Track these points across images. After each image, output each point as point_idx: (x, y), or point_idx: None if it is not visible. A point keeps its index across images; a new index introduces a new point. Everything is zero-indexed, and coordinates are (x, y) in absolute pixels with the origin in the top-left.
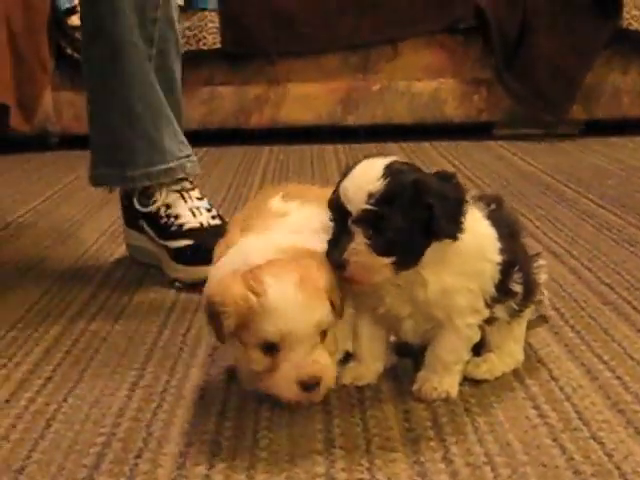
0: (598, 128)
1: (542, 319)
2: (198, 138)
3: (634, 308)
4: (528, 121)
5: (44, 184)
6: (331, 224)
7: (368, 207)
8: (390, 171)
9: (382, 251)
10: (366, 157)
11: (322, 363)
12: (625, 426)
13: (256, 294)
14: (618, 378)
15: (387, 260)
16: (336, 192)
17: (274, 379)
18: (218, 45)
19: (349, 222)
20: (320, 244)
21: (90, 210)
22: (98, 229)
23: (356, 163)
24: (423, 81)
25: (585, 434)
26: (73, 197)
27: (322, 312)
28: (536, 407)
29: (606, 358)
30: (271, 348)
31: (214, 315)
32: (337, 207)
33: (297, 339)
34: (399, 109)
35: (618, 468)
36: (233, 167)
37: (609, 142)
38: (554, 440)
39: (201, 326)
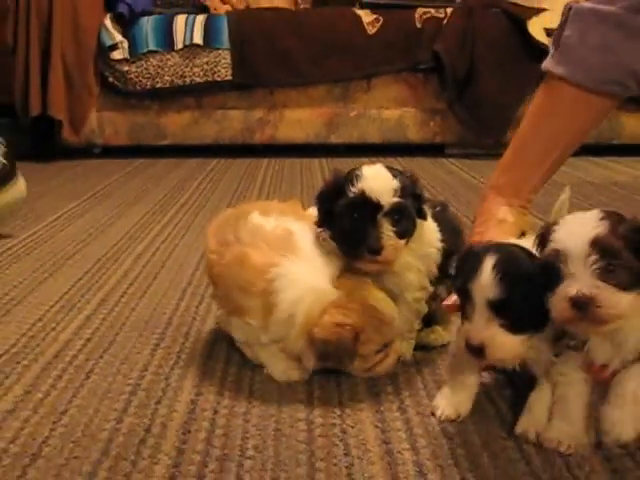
0: None
1: None
2: (212, 151)
3: None
4: (473, 143)
5: (89, 185)
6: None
7: (397, 200)
8: (394, 172)
9: (402, 235)
10: (359, 165)
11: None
12: None
13: (373, 313)
14: None
15: (403, 241)
16: (361, 193)
17: (380, 365)
18: (230, 77)
19: (379, 215)
20: None
21: (122, 207)
22: (129, 223)
23: (353, 170)
24: (390, 109)
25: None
26: (111, 196)
27: None
28: None
29: None
30: (380, 350)
31: (347, 348)
32: (364, 204)
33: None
34: (371, 131)
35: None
36: (239, 175)
37: None
38: (487, 396)
39: (210, 301)
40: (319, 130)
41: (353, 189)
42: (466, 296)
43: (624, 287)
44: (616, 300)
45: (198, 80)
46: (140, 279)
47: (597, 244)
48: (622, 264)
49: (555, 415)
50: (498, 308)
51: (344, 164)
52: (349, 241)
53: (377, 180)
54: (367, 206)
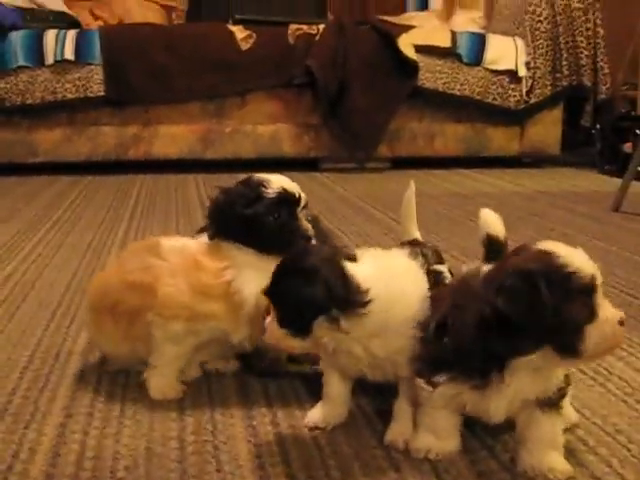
0: (401, 163)
1: None
2: (85, 168)
3: None
4: (346, 158)
5: None
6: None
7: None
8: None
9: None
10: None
11: None
12: None
13: None
14: None
15: None
16: (282, 191)
17: None
18: (102, 93)
19: (298, 210)
20: None
21: None
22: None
23: (252, 180)
24: (265, 125)
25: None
26: None
27: None
28: None
29: None
30: None
31: None
32: (286, 202)
33: None
34: (246, 146)
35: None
36: (113, 192)
37: (408, 174)
38: (358, 406)
39: (81, 321)
40: (194, 146)
41: (270, 191)
42: None
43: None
44: None
45: (70, 96)
46: (8, 301)
47: None
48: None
49: (421, 426)
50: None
51: (219, 180)
52: (278, 238)
53: (288, 181)
54: (290, 203)
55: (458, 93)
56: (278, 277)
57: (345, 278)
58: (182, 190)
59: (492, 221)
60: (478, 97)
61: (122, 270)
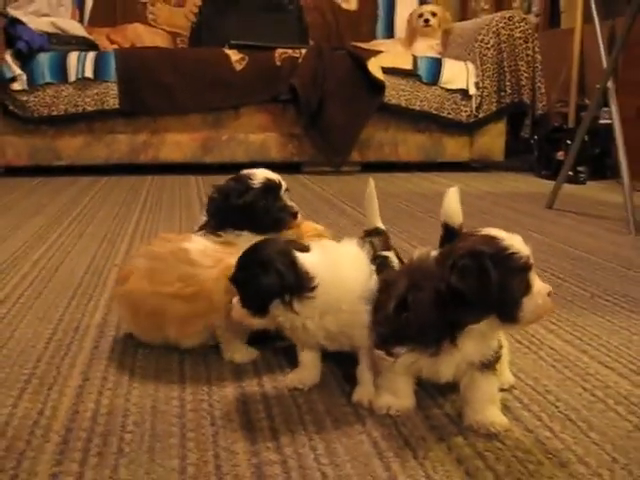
0: (370, 167)
1: None
2: (102, 170)
3: None
4: (324, 162)
5: None
6: None
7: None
8: None
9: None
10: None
11: None
12: None
13: None
14: None
15: None
16: (266, 180)
17: None
18: (117, 106)
19: (281, 193)
20: None
21: (22, 220)
22: (28, 233)
23: (240, 176)
24: (256, 134)
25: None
26: (12, 209)
27: None
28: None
29: None
30: None
31: None
32: (271, 188)
33: None
34: (239, 152)
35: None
36: (126, 190)
37: (376, 177)
38: (331, 371)
39: (97, 299)
40: (195, 152)
41: (256, 182)
42: None
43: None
44: None
45: (89, 108)
46: (36, 283)
47: None
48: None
49: (382, 388)
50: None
51: (217, 180)
52: (271, 218)
53: (269, 172)
54: (274, 189)
55: (418, 108)
56: (240, 266)
57: (295, 267)
58: (184, 189)
59: (452, 204)
60: (435, 111)
61: (159, 281)
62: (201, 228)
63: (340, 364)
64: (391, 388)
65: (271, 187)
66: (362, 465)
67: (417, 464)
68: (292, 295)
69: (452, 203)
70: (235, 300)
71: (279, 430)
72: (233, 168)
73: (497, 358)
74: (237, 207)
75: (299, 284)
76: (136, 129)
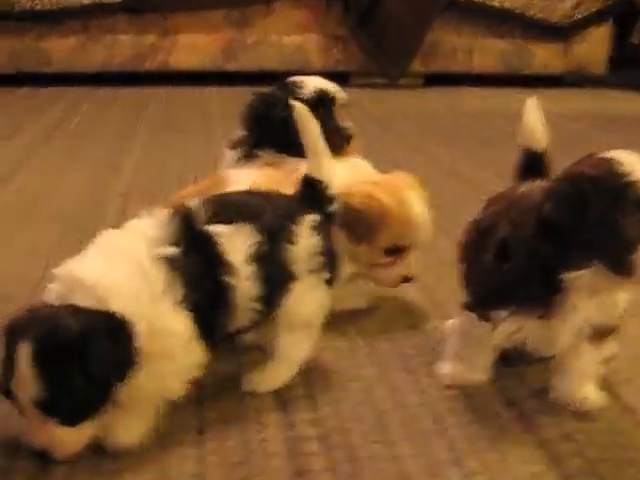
0: (435, 79)
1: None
2: (99, 79)
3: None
4: (377, 73)
5: None
6: None
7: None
8: None
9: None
10: None
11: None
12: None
13: (403, 205)
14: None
15: None
16: (319, 91)
17: (386, 272)
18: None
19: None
20: None
21: None
22: (6, 155)
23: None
24: (291, 35)
25: (410, 324)
26: None
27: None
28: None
29: None
30: (392, 251)
31: (356, 220)
32: (323, 101)
33: (416, 246)
34: (270, 58)
35: (433, 350)
36: (128, 105)
37: (443, 92)
38: (383, 328)
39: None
40: (215, 57)
41: (306, 91)
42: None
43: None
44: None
45: (85, 2)
46: (18, 214)
47: None
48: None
49: (454, 355)
50: (45, 407)
51: (241, 94)
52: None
53: (325, 81)
54: (327, 103)
55: (498, 5)
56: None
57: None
58: (202, 104)
59: (533, 121)
60: (520, 11)
61: None
62: (236, 145)
63: None
64: (466, 358)
65: (324, 100)
66: (420, 444)
67: (488, 445)
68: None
69: (532, 120)
70: (52, 427)
71: (318, 399)
72: (262, 78)
73: (613, 329)
74: (280, 121)
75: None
76: (142, 28)
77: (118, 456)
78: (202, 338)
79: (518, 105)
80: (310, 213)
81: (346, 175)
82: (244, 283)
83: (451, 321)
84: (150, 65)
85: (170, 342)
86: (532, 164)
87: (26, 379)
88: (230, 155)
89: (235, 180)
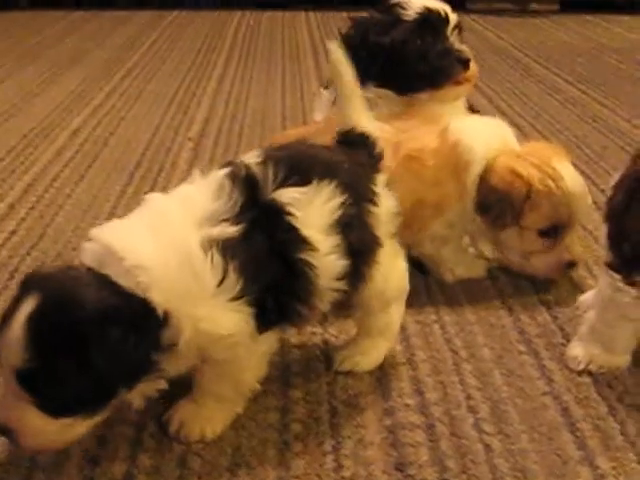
0: (575, 5)
1: None
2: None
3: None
4: None
5: (12, 42)
6: None
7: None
8: None
9: None
10: None
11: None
12: (572, 289)
13: (553, 179)
14: None
15: None
16: (426, 10)
17: (545, 259)
18: None
19: (447, 31)
20: None
21: (54, 72)
22: (63, 91)
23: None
24: None
25: (533, 296)
26: (40, 56)
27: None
28: (488, 270)
29: None
30: (548, 232)
31: (513, 202)
32: (431, 21)
33: (575, 223)
34: None
35: (561, 329)
36: (204, 32)
37: (583, 20)
38: (502, 302)
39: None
40: None
41: (411, 12)
42: None
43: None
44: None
45: None
46: (77, 159)
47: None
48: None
49: (591, 334)
50: (27, 381)
51: (337, 19)
52: (429, 65)
53: (434, 1)
54: (436, 23)
55: None
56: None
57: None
58: (290, 30)
59: None
60: None
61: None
62: (330, 84)
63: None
64: (604, 336)
65: (432, 20)
66: (544, 439)
67: (625, 443)
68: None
69: None
70: (27, 408)
71: (424, 382)
72: (361, 3)
73: None
74: (381, 48)
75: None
76: None
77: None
78: (270, 330)
79: None
80: (377, 169)
81: (480, 142)
82: (326, 259)
83: (586, 294)
84: None
85: (226, 346)
86: None
87: (15, 341)
88: (326, 96)
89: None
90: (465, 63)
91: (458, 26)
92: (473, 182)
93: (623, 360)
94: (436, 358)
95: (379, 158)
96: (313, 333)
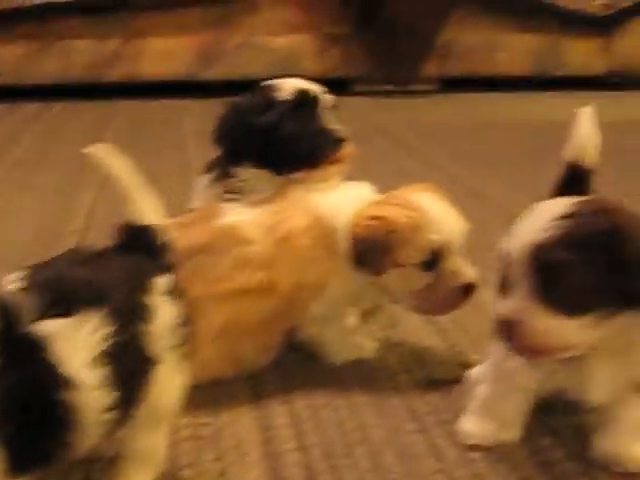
0: (453, 84)
1: None
2: (54, 92)
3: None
4: (384, 78)
5: None
6: None
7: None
8: None
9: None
10: None
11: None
12: (460, 367)
13: (414, 210)
14: (456, 322)
15: None
16: (301, 92)
17: (437, 290)
18: None
19: (318, 110)
20: None
21: None
22: None
23: (261, 88)
24: (281, 36)
25: (422, 375)
26: None
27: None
28: (377, 350)
29: None
30: (430, 264)
31: (381, 244)
32: (306, 103)
33: (454, 247)
34: (256, 64)
35: (451, 406)
36: (88, 123)
37: (463, 98)
38: (392, 381)
39: None
40: (190, 64)
41: (284, 94)
42: None
43: (569, 312)
44: (554, 328)
45: (36, 0)
46: None
47: (538, 255)
48: (569, 283)
49: (479, 406)
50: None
51: (221, 106)
52: (304, 145)
53: (306, 82)
54: (309, 104)
55: None
56: None
57: None
58: (175, 120)
59: (587, 133)
60: (550, 0)
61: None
62: (210, 167)
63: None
64: (495, 410)
65: (306, 101)
66: None
67: None
68: None
69: (585, 132)
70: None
71: (316, 467)
72: (246, 88)
73: None
74: (258, 129)
75: None
76: (103, 32)
77: None
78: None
79: (551, 113)
80: (157, 273)
81: (342, 206)
82: (91, 396)
83: (475, 369)
84: (114, 75)
85: None
86: (576, 182)
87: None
88: (203, 182)
89: (229, 214)
90: (339, 142)
91: (333, 106)
92: (345, 248)
93: (514, 434)
94: (328, 442)
95: (162, 256)
96: (203, 424)
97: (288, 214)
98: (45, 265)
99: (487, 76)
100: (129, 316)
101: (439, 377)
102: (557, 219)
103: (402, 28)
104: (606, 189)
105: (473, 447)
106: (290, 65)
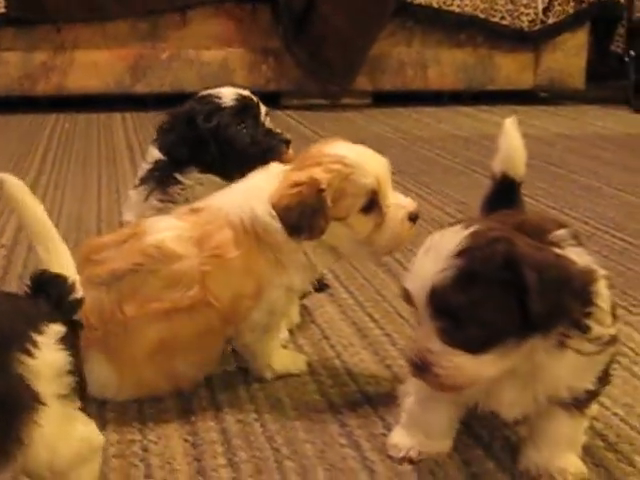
0: (385, 98)
1: (325, 286)
2: None
3: (405, 268)
4: (315, 92)
5: None
6: None
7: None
8: None
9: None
10: None
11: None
12: (391, 380)
13: (335, 162)
14: (387, 335)
15: None
16: (243, 98)
17: (386, 228)
18: (3, 10)
19: (261, 117)
20: None
21: None
22: None
23: (203, 97)
24: (212, 50)
25: (353, 389)
26: None
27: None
28: (308, 364)
29: (376, 317)
30: (369, 206)
31: (313, 205)
32: (248, 109)
33: (385, 182)
34: (188, 77)
35: (382, 419)
36: (17, 136)
37: (394, 112)
38: (322, 396)
39: None
40: (121, 77)
41: (227, 100)
42: None
43: (475, 351)
44: (463, 366)
45: None
46: None
47: (436, 301)
48: (470, 325)
49: (408, 419)
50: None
51: (155, 119)
52: (257, 147)
53: (241, 90)
54: (252, 109)
55: (457, 10)
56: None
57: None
58: (106, 133)
59: (514, 144)
60: (482, 15)
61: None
62: (142, 182)
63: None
64: (422, 421)
65: (249, 106)
66: None
67: None
68: None
69: (511, 143)
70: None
71: None
72: (177, 101)
73: (593, 396)
74: (206, 133)
75: None
76: (32, 44)
77: None
78: None
79: (481, 127)
80: (54, 321)
81: (260, 197)
82: None
83: (406, 383)
84: (43, 89)
85: None
86: (505, 194)
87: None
88: (134, 197)
89: (156, 230)
90: (287, 143)
91: (268, 113)
92: (275, 232)
93: (444, 445)
94: (258, 457)
95: (64, 305)
96: (132, 441)
97: (212, 226)
98: None
99: (418, 90)
100: (10, 341)
101: (370, 391)
102: (452, 257)
103: (332, 42)
104: (535, 201)
105: (403, 460)
106: (222, 78)
